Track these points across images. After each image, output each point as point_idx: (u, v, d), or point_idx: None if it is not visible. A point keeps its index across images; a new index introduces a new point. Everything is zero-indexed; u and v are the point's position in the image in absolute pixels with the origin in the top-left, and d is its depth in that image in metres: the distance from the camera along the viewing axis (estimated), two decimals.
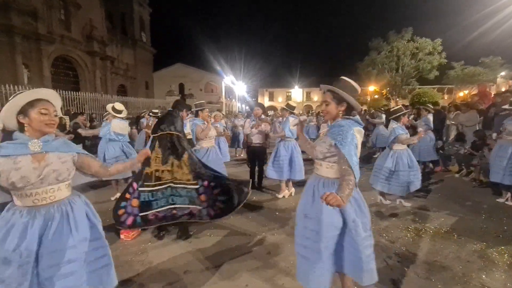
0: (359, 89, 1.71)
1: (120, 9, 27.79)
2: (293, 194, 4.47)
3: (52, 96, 1.49)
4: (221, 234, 3.10)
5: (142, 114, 8.23)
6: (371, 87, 27.75)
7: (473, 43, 23.70)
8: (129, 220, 2.57)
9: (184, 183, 2.66)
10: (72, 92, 11.66)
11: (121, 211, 2.56)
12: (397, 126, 3.80)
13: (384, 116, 8.56)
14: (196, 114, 3.93)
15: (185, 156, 2.68)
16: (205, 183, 2.67)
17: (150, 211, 2.62)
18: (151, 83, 32.19)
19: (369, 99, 28.83)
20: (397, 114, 3.86)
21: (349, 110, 1.68)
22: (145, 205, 2.60)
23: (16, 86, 9.19)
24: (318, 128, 10.92)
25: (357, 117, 1.71)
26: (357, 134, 1.61)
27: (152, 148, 2.63)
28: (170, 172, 2.65)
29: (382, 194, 4.03)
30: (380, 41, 26.13)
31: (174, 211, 2.70)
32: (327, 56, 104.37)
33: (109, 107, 4.33)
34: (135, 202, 2.59)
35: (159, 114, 6.21)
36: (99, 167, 1.63)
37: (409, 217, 3.58)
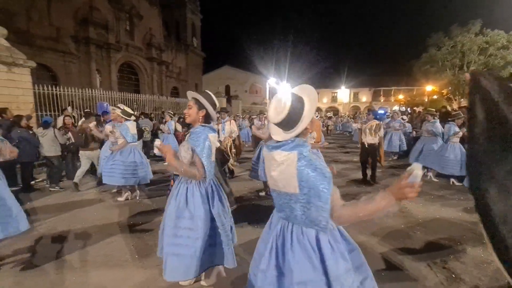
0: (217, 104, 2.04)
1: (175, 17, 30.14)
2: None
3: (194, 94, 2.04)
4: None
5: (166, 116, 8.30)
6: (429, 87, 25.27)
7: None
8: None
9: None
10: (134, 94, 13.08)
11: None
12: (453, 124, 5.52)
13: (437, 121, 6.71)
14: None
15: None
16: None
17: None
18: (200, 85, 34.17)
19: (426, 100, 26.33)
20: (456, 118, 5.54)
21: (208, 118, 1.99)
22: None
23: (91, 90, 10.70)
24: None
25: (212, 124, 2.06)
26: (212, 138, 1.91)
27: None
28: None
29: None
30: (441, 36, 23.66)
31: None
32: (379, 54, 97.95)
33: (122, 107, 4.42)
34: None
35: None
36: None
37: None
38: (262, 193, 4.73)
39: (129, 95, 12.32)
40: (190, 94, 1.99)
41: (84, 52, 18.12)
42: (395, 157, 8.36)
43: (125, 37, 21.18)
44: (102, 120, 5.85)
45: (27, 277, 2.40)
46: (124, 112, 4.35)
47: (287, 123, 1.21)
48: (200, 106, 1.94)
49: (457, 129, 5.39)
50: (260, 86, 38.41)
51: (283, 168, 1.18)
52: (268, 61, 33.38)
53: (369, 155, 5.42)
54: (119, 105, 4.66)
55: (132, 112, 4.52)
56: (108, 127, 4.71)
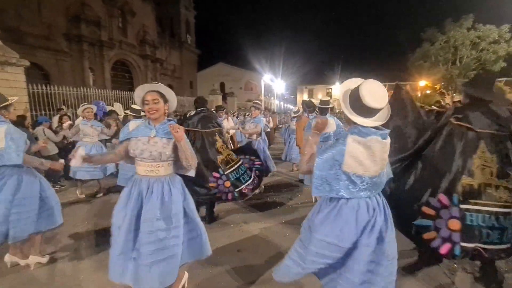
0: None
1: (168, 13, 29.82)
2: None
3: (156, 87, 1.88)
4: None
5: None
6: (422, 82, 25.54)
7: None
8: (229, 196, 3.10)
9: (237, 162, 3.28)
10: (128, 92, 12.91)
11: (218, 194, 3.07)
12: None
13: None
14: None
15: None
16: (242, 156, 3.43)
17: (242, 186, 3.16)
18: (195, 83, 34.00)
19: (419, 95, 26.63)
20: None
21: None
22: (235, 183, 3.13)
23: (86, 88, 10.59)
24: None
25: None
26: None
27: (215, 140, 3.19)
28: (231, 155, 3.25)
29: None
30: (435, 31, 23.86)
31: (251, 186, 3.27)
32: (373, 49, 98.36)
33: (117, 106, 4.46)
34: (227, 183, 3.07)
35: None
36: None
37: None
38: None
39: (123, 93, 12.20)
40: (152, 86, 1.84)
41: (77, 50, 17.86)
42: None
43: (118, 34, 20.90)
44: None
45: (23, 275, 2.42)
46: (132, 109, 4.15)
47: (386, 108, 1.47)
48: (165, 100, 1.86)
49: None
50: (255, 83, 38.34)
51: (384, 154, 1.43)
52: (263, 58, 33.38)
53: None
54: (114, 103, 4.65)
55: (140, 108, 4.33)
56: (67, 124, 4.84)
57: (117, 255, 1.73)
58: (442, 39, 23.46)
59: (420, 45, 25.14)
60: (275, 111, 26.45)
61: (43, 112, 8.43)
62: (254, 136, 4.65)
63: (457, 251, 1.86)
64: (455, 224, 1.86)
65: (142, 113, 4.10)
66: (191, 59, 32.93)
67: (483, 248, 1.83)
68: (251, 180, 3.27)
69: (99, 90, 11.08)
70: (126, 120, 8.25)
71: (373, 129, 1.42)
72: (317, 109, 4.39)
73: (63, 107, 8.57)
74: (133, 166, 1.86)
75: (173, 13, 30.25)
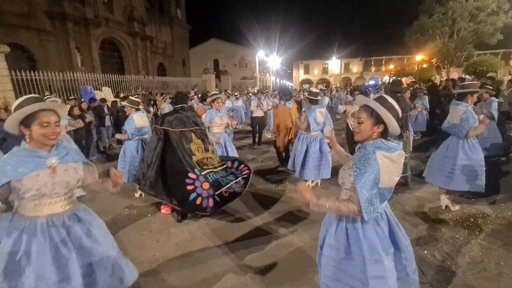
0: (399, 112, 1.54)
1: None
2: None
3: (55, 106, 1.49)
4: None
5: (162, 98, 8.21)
6: (419, 56, 25.11)
7: None
8: (210, 202, 2.76)
9: (220, 165, 3.16)
10: (119, 75, 12.57)
11: (198, 200, 2.74)
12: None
13: (426, 98, 7.56)
14: (211, 104, 4.07)
15: (211, 145, 3.22)
16: (229, 163, 3.25)
17: (222, 188, 2.88)
18: (187, 60, 33.05)
19: (415, 69, 26.30)
20: None
21: (385, 134, 1.56)
22: (215, 184, 2.87)
23: (73, 73, 10.30)
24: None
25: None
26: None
27: (190, 140, 3.01)
28: (211, 159, 3.10)
29: None
30: (433, 2, 23.04)
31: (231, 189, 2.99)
32: (370, 22, 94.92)
33: (106, 90, 3.92)
34: (206, 185, 2.81)
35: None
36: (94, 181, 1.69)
37: None
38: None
39: (113, 76, 11.91)
40: (364, 100, 1.50)
41: (61, 29, 17.09)
42: (419, 137, 7.62)
43: (104, 11, 19.92)
44: (85, 108, 5.76)
45: None
46: (131, 101, 3.95)
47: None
48: (378, 121, 1.42)
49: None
50: (249, 60, 37.36)
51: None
52: (257, 33, 32.31)
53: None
54: (103, 88, 4.40)
55: (139, 101, 4.11)
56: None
57: None
58: (440, 11, 22.74)
59: (417, 17, 24.39)
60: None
61: None
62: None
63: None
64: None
65: (141, 106, 4.14)
66: (182, 36, 31.73)
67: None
68: (234, 181, 3.00)
69: (87, 74, 10.80)
70: (115, 105, 8.20)
71: (391, 142, 1.44)
72: (305, 98, 4.30)
73: (46, 93, 8.41)
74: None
75: None
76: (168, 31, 28.90)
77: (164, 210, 3.50)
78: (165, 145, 2.99)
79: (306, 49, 41.40)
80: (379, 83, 24.71)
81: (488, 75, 16.63)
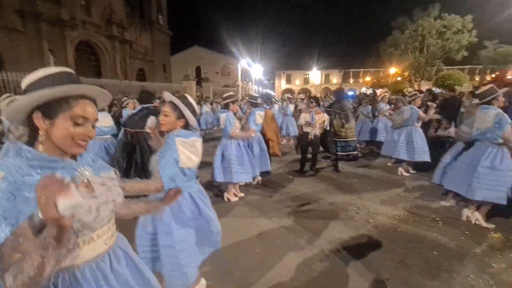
0: (198, 111, 1.82)
1: None
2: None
3: (103, 94, 0.94)
4: None
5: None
6: (393, 69, 26.54)
7: (509, 19, 21.69)
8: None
9: None
10: (95, 78, 12.23)
11: None
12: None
13: (369, 108, 8.05)
14: (226, 106, 3.64)
15: None
16: None
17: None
18: (168, 66, 32.66)
19: (390, 82, 27.71)
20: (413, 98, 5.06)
21: (187, 127, 1.81)
22: None
23: None
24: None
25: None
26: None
27: None
28: None
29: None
30: (405, 19, 24.61)
31: None
32: (348, 36, 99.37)
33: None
34: None
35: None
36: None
37: None
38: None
39: (87, 79, 11.53)
40: (168, 96, 1.69)
41: (34, 29, 16.34)
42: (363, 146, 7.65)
43: (81, 13, 19.34)
44: None
45: None
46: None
47: None
48: (180, 115, 1.65)
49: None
50: (232, 68, 37.61)
51: None
52: (239, 42, 32.60)
53: (312, 145, 5.12)
54: None
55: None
56: None
57: None
58: (411, 28, 24.31)
59: (391, 32, 25.90)
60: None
61: None
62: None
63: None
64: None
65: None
66: (163, 41, 31.40)
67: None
68: None
69: None
70: None
71: (189, 131, 1.72)
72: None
73: (4, 95, 7.89)
74: None
75: None
76: (149, 36, 28.50)
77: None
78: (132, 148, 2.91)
79: (288, 60, 42.54)
80: (357, 93, 25.76)
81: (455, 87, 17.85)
